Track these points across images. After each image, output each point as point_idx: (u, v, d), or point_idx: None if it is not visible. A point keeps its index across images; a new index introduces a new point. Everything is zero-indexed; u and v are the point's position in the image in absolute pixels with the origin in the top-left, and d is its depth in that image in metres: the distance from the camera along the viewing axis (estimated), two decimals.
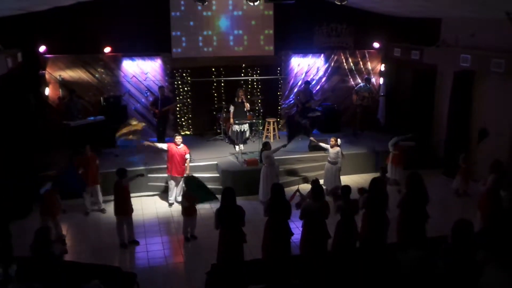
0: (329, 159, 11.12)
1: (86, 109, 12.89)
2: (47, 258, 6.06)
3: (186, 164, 10.55)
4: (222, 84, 14.19)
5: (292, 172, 12.12)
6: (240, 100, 12.72)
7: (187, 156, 10.55)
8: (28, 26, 12.09)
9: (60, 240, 8.22)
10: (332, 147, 11.01)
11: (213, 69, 14.12)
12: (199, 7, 13.46)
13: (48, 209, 8.61)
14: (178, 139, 10.52)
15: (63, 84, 12.95)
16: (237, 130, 12.64)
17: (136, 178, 9.31)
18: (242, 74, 14.33)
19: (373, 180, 7.69)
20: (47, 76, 12.81)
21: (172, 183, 10.71)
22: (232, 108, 12.73)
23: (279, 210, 7.20)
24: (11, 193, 9.36)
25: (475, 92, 12.00)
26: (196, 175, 11.15)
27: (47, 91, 12.81)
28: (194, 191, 8.97)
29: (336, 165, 11.04)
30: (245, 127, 12.78)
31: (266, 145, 10.67)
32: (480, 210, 8.76)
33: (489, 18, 11.03)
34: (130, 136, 11.99)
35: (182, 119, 14.30)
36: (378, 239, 7.48)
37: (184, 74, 14.00)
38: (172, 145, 10.47)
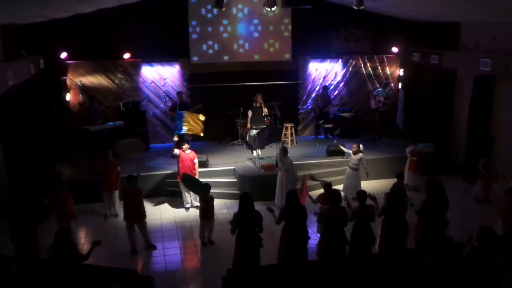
0: (350, 165, 11.08)
1: (105, 114, 13.09)
2: (66, 260, 6.14)
3: (195, 170, 10.64)
4: (240, 89, 14.23)
5: (310, 177, 12.07)
6: (258, 105, 12.76)
7: (196, 160, 10.66)
8: (50, 33, 12.35)
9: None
10: (355, 153, 10.96)
11: (230, 75, 14.16)
12: (217, 13, 13.55)
13: (61, 212, 8.73)
14: (185, 146, 10.60)
15: (84, 89, 13.16)
16: (254, 135, 12.66)
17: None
18: (260, 80, 14.34)
19: (394, 186, 7.67)
20: (68, 82, 13.05)
21: (184, 188, 10.74)
22: (250, 113, 12.77)
23: (295, 216, 7.19)
24: (32, 196, 9.50)
25: (495, 97, 11.82)
26: (213, 180, 11.25)
27: (68, 96, 13.04)
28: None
29: (358, 171, 11.01)
30: None
31: (283, 151, 10.66)
32: (502, 217, 8.60)
33: (510, 21, 10.87)
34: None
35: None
36: (398, 245, 7.44)
37: (202, 80, 14.08)
38: (181, 151, 10.58)
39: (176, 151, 10.71)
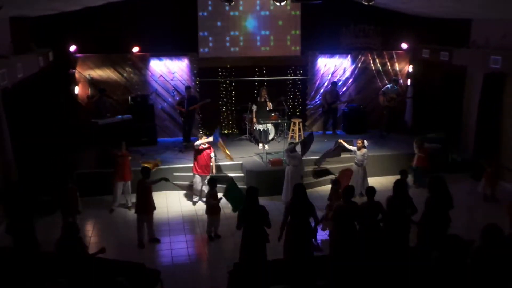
0: (356, 161, 11.04)
1: (114, 107, 13.12)
2: (73, 253, 6.18)
3: (211, 163, 10.67)
4: (248, 84, 14.22)
5: (317, 173, 12.06)
6: (262, 100, 12.80)
7: (212, 154, 10.69)
8: (59, 26, 12.37)
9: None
10: (359, 149, 10.93)
11: (239, 70, 14.16)
12: (226, 7, 13.54)
13: (66, 206, 8.78)
14: (205, 139, 10.63)
15: (92, 83, 13.20)
16: (259, 129, 12.72)
17: (160, 181, 9.35)
18: (268, 74, 14.32)
19: (396, 183, 7.65)
20: (76, 75, 13.08)
21: (197, 182, 10.78)
22: (254, 108, 12.84)
23: (301, 211, 7.19)
24: (40, 189, 9.56)
25: (506, 95, 11.72)
26: (220, 174, 11.27)
27: (76, 90, 13.08)
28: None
29: (363, 166, 10.97)
30: (269, 126, 12.82)
31: (292, 146, 10.63)
32: (509, 215, 8.55)
33: None
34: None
35: (208, 119, 14.36)
36: (400, 241, 7.44)
37: (210, 74, 14.07)
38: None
39: (197, 143, 10.73)
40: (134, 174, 10.22)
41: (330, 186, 9.63)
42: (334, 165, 12.28)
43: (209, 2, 13.65)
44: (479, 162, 11.06)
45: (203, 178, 10.71)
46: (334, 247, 7.50)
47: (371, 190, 7.58)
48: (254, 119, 12.83)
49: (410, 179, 10.93)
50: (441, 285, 5.72)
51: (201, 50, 13.89)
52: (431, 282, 5.90)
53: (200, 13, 13.68)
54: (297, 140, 13.38)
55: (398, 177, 8.90)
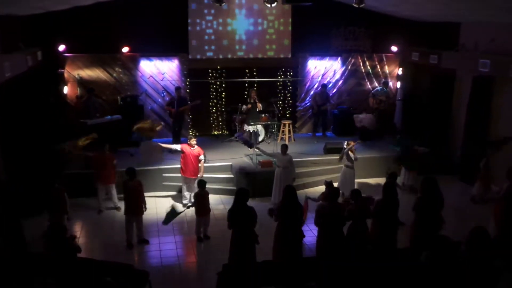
0: (346, 163, 11.03)
1: (103, 108, 13.04)
2: (60, 254, 6.13)
3: (200, 165, 10.55)
4: (239, 85, 14.21)
5: (307, 175, 12.08)
6: (252, 101, 12.81)
7: (201, 157, 10.52)
8: (48, 25, 12.25)
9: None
10: (351, 150, 10.93)
11: (229, 71, 14.15)
12: (217, 8, 13.51)
13: (56, 206, 8.71)
14: (193, 141, 10.53)
15: (81, 83, 13.10)
16: (249, 130, 12.71)
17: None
18: (259, 76, 14.32)
19: (386, 185, 7.68)
20: (65, 75, 12.98)
21: (185, 185, 10.69)
22: (244, 108, 12.84)
23: (290, 212, 7.19)
24: (28, 190, 9.46)
25: (494, 98, 11.81)
26: (210, 175, 11.22)
27: (65, 89, 12.97)
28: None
29: (353, 169, 10.95)
30: (258, 127, 12.81)
31: (282, 148, 10.61)
32: (494, 218, 8.61)
33: (509, 22, 10.87)
34: (146, 133, 12.00)
35: (198, 120, 14.33)
36: (389, 243, 7.46)
37: (201, 75, 14.04)
38: (186, 146, 10.45)
39: (177, 146, 10.65)
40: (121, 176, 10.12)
41: (320, 187, 9.64)
42: (324, 167, 12.29)
43: (200, 4, 13.63)
44: (478, 164, 11.05)
45: (191, 181, 10.60)
46: (320, 248, 7.52)
47: (357, 193, 7.62)
48: (249, 107, 12.96)
49: (399, 180, 10.95)
50: (430, 285, 5.74)
51: (191, 51, 13.85)
52: (421, 283, 5.91)
53: (191, 14, 13.65)
54: (286, 142, 13.40)
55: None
